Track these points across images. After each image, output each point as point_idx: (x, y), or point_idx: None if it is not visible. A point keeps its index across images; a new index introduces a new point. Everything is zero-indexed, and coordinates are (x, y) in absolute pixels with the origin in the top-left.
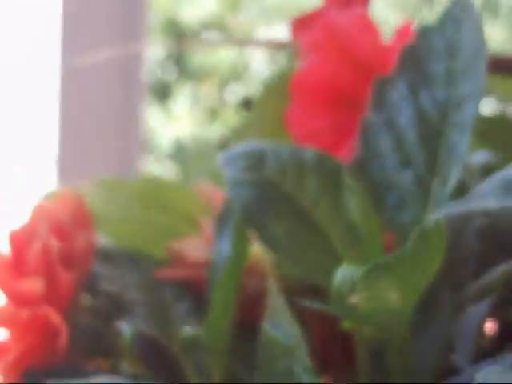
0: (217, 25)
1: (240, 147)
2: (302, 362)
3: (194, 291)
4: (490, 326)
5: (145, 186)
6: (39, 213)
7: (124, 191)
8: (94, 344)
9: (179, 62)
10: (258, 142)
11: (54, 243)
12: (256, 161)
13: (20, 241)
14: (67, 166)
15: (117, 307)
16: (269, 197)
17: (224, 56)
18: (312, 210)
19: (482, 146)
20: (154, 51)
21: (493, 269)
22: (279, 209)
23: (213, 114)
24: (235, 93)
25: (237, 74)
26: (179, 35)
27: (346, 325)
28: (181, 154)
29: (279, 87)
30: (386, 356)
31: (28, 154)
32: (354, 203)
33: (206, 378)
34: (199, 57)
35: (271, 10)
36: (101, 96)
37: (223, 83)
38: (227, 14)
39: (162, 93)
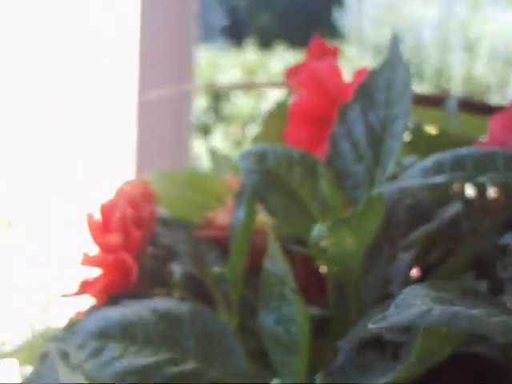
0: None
1: (251, 148)
2: (290, 286)
3: (221, 244)
4: (414, 270)
5: (189, 176)
6: (120, 193)
7: (176, 180)
8: (155, 279)
9: (216, 111)
10: (262, 145)
11: (129, 212)
12: (261, 157)
13: (107, 211)
14: (140, 169)
15: (170, 255)
16: (269, 181)
17: (245, 106)
18: (298, 190)
19: (408, 150)
20: (199, 103)
21: (415, 231)
22: (276, 189)
23: (237, 144)
24: (253, 130)
25: (253, 117)
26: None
27: (319, 263)
28: (214, 160)
29: (278, 112)
30: (345, 286)
31: (113, 159)
32: (326, 185)
33: (227, 301)
34: (229, 107)
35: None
36: (161, 128)
37: (245, 124)
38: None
39: (204, 131)
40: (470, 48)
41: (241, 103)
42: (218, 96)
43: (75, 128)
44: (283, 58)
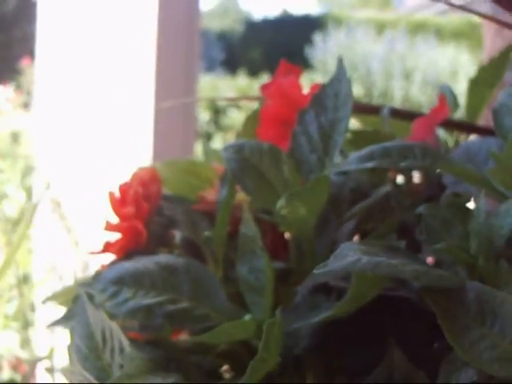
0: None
1: (231, 142)
2: (258, 245)
3: (210, 215)
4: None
5: (187, 164)
6: (134, 176)
7: (176, 167)
8: (160, 241)
9: (216, 122)
10: (239, 140)
11: (140, 190)
12: (238, 148)
13: (124, 189)
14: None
15: (172, 223)
16: (245, 167)
17: (238, 118)
18: (267, 173)
19: (350, 146)
20: (203, 116)
21: (356, 206)
22: (250, 173)
23: None
24: None
25: None
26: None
27: (282, 228)
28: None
29: (253, 116)
30: (302, 245)
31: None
32: (287, 169)
33: (214, 258)
34: (226, 119)
35: None
36: (171, 136)
37: None
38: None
39: (207, 138)
40: (407, 76)
41: (235, 116)
42: (217, 111)
43: (104, 131)
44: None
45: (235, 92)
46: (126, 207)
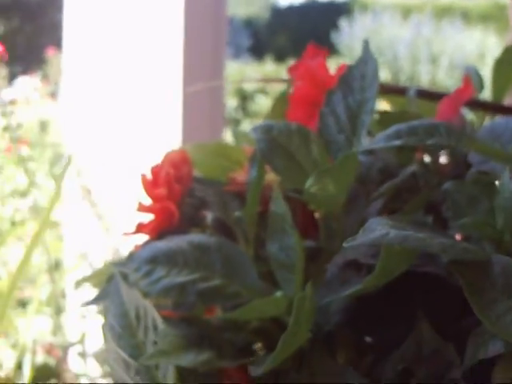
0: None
1: (260, 123)
2: (288, 222)
3: (240, 196)
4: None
5: (217, 146)
6: (165, 158)
7: (206, 149)
8: (191, 222)
9: (243, 108)
10: (268, 121)
11: (172, 172)
12: (267, 129)
13: (156, 171)
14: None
15: (203, 204)
16: (274, 147)
17: (265, 104)
18: (296, 153)
19: (378, 126)
20: (231, 103)
21: (384, 185)
22: (279, 153)
23: None
24: None
25: None
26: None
27: (312, 206)
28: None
29: (282, 98)
30: (331, 224)
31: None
32: (316, 149)
33: (245, 237)
34: (253, 105)
35: None
36: (200, 123)
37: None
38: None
39: (235, 124)
40: (434, 60)
41: (262, 102)
42: (245, 97)
43: (133, 118)
44: None
45: (262, 78)
46: (159, 189)
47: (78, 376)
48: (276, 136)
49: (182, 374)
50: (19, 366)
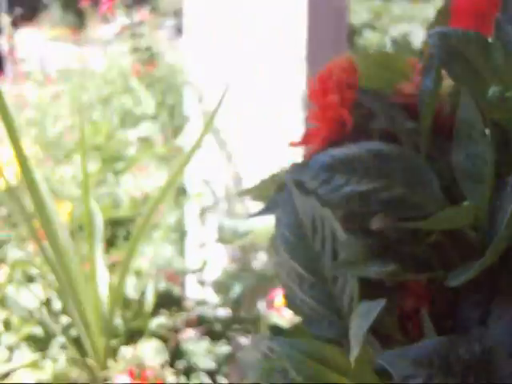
0: None
1: (435, 29)
2: (478, 129)
3: (407, 108)
4: None
5: (379, 56)
6: (333, 64)
7: (368, 59)
8: (362, 132)
9: (351, 43)
10: (442, 27)
11: (344, 77)
12: (443, 35)
13: (324, 78)
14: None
15: (370, 116)
16: (451, 53)
17: (375, 38)
18: (473, 61)
19: None
20: None
21: None
22: (457, 60)
23: None
24: None
25: (379, 46)
26: None
27: (494, 115)
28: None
29: (445, 10)
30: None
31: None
32: (499, 56)
33: (415, 148)
34: (361, 41)
35: None
36: (325, 33)
37: None
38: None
39: None
40: None
41: (371, 37)
42: (353, 32)
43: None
44: (401, 5)
45: (370, 12)
46: (328, 96)
47: (197, 303)
48: (454, 43)
49: (363, 287)
50: (142, 293)
